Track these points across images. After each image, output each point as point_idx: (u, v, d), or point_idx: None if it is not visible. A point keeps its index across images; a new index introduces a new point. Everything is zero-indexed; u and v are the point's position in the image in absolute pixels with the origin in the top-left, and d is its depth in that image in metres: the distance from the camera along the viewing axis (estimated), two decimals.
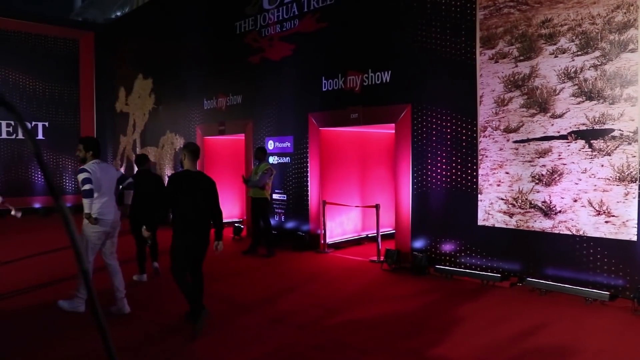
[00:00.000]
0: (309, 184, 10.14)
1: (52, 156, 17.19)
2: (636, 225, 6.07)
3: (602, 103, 6.30)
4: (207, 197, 5.52)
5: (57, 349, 5.09)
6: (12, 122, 16.54)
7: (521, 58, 7.03)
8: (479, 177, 7.48)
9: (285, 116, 10.69)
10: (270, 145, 10.95)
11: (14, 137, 16.71)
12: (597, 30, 6.34)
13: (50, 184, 0.82)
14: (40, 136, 17.41)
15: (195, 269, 5.62)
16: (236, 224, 11.78)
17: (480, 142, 7.46)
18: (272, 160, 10.79)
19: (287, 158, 10.64)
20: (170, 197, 5.42)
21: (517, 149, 7.08)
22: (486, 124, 7.39)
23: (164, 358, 4.81)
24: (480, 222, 7.48)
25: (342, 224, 10.42)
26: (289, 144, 10.62)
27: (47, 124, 17.58)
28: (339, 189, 10.17)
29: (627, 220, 6.13)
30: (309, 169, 10.12)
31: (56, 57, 17.82)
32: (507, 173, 7.19)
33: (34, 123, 17.35)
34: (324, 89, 9.77)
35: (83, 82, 18.39)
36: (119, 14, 35.21)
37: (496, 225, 7.31)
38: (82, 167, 5.85)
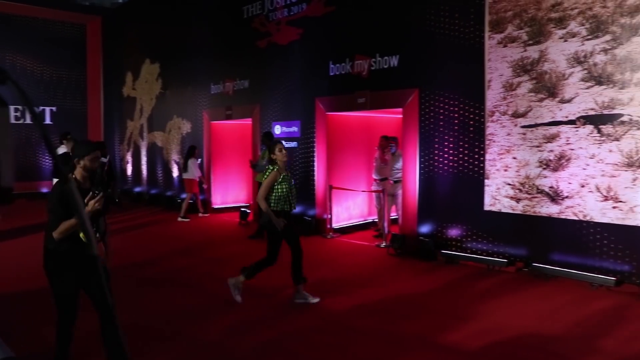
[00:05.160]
0: (315, 168, 10.13)
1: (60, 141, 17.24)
2: None
3: (612, 88, 6.24)
4: None
5: None
6: (20, 107, 16.56)
7: (530, 42, 6.96)
8: (486, 162, 7.45)
9: (293, 101, 10.67)
10: (277, 129, 10.93)
11: (21, 122, 16.74)
12: (608, 14, 6.26)
13: (58, 166, 0.84)
14: (48, 121, 17.44)
15: None
16: (242, 209, 11.81)
17: (488, 127, 7.42)
18: None
19: (294, 143, 10.62)
20: None
21: (524, 134, 7.04)
22: (494, 109, 7.34)
23: (170, 332, 4.86)
24: (486, 207, 7.46)
25: (348, 209, 10.44)
26: (296, 129, 10.60)
27: (54, 108, 17.60)
28: (345, 174, 10.16)
29: (634, 206, 6.09)
30: (315, 154, 10.11)
31: (64, 41, 17.79)
32: (514, 158, 7.15)
33: (41, 108, 17.35)
34: (331, 74, 9.72)
35: (90, 66, 18.38)
36: None
37: (503, 211, 7.29)
38: None
